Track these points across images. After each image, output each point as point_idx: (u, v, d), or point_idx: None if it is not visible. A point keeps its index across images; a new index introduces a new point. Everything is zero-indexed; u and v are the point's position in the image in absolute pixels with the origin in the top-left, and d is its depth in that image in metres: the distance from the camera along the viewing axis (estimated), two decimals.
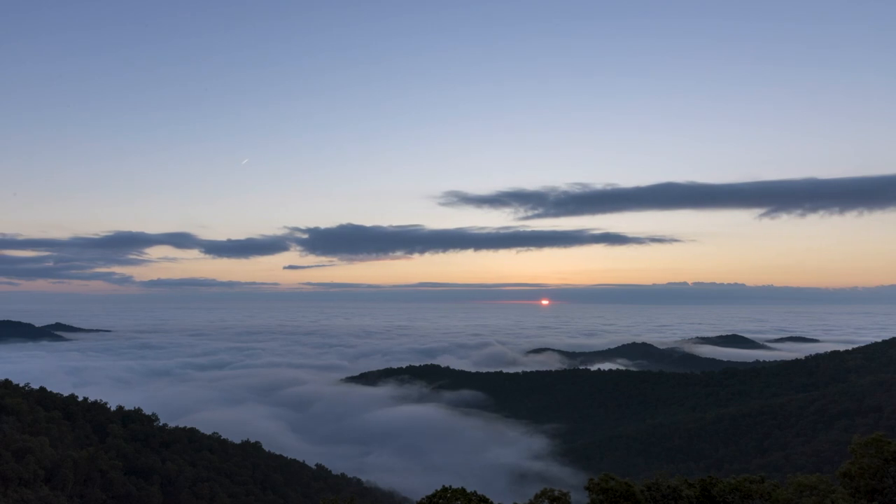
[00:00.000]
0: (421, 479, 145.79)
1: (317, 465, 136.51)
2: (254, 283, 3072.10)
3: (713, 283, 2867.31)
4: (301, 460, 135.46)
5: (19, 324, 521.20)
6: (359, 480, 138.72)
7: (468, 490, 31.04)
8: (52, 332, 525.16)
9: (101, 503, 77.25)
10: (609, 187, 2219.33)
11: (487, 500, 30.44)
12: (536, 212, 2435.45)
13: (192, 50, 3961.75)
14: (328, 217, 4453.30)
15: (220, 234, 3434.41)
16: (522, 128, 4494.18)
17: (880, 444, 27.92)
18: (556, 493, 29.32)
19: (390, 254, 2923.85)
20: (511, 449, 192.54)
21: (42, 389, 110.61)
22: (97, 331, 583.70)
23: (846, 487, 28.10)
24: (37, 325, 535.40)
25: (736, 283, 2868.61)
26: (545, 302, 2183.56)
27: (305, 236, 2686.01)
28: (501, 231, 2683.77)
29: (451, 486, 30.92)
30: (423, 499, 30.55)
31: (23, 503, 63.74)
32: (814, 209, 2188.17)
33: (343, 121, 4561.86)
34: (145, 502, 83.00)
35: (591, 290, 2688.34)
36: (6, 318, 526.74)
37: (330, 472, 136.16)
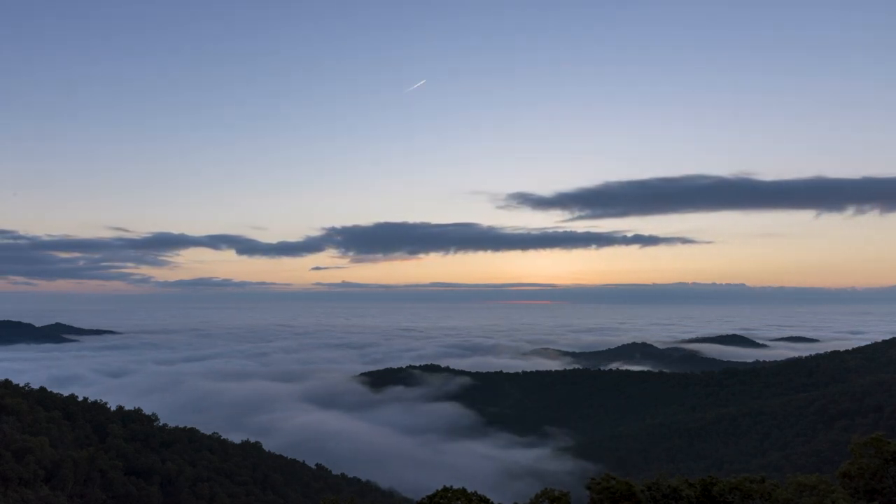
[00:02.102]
0: (421, 479, 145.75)
1: (317, 464, 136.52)
2: (263, 283, 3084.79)
3: (713, 284, 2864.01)
4: (301, 460, 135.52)
5: (19, 324, 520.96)
6: (358, 480, 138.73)
7: (468, 490, 31.06)
8: (53, 333, 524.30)
9: (101, 503, 77.26)
10: (665, 183, 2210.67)
11: (487, 500, 30.46)
12: (583, 213, 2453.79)
13: (231, 53, 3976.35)
14: (372, 216, 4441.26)
15: (267, 236, 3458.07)
16: (588, 124, 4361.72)
17: (880, 444, 27.93)
18: (557, 493, 29.33)
19: (420, 255, 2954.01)
20: (511, 449, 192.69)
21: (42, 389, 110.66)
22: (97, 331, 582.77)
23: (846, 487, 28.11)
24: (37, 326, 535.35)
25: (737, 284, 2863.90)
26: (548, 302, 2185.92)
27: (339, 237, 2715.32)
28: (533, 232, 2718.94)
29: (451, 486, 30.94)
30: (423, 499, 30.56)
31: (23, 503, 63.75)
32: (862, 210, 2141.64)
33: (404, 121, 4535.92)
34: (145, 502, 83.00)
35: (599, 290, 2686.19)
36: (7, 318, 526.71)
37: (330, 471, 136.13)
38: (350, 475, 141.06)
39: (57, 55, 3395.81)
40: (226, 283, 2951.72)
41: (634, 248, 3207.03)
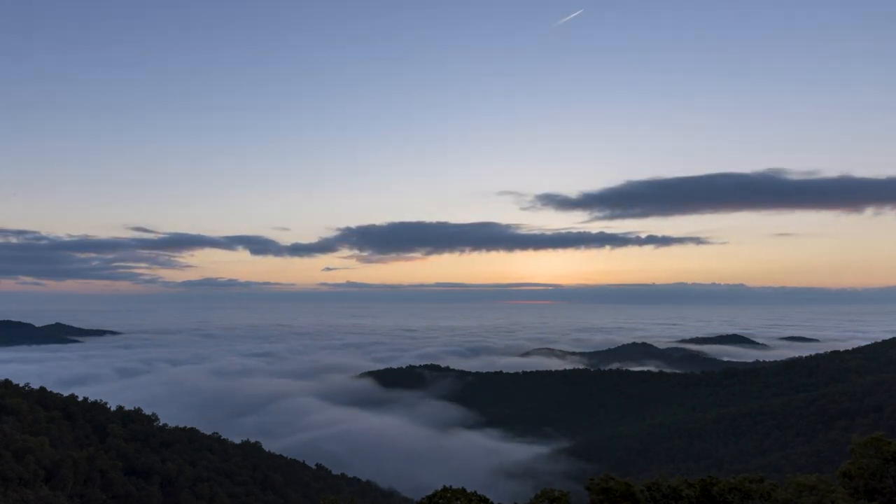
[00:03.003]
0: (421, 479, 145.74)
1: (317, 464, 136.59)
2: (268, 284, 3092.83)
3: (713, 284, 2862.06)
4: (301, 460, 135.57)
5: (19, 324, 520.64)
6: (358, 480, 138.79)
7: (468, 490, 31.05)
8: (52, 334, 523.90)
9: (101, 503, 77.26)
10: (687, 182, 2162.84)
11: (487, 500, 30.45)
12: (602, 214, 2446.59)
13: (254, 55, 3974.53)
14: (393, 215, 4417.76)
15: (289, 237, 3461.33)
16: (620, 123, 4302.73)
17: (880, 444, 27.92)
18: (557, 494, 29.32)
19: (435, 255, 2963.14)
20: (511, 449, 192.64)
21: (42, 389, 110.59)
22: (98, 332, 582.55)
23: (846, 487, 28.09)
24: (37, 326, 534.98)
25: (738, 284, 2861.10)
26: (548, 302, 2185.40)
27: (354, 237, 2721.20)
28: (547, 232, 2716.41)
29: (451, 486, 30.93)
30: (423, 499, 30.55)
31: (23, 503, 63.75)
32: (881, 210, 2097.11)
33: (436, 121, 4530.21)
34: (145, 502, 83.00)
35: (602, 290, 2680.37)
36: (7, 319, 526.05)
37: (330, 471, 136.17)
38: (350, 475, 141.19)
39: (85, 58, 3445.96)
40: (231, 284, 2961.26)
41: (649, 249, 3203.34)
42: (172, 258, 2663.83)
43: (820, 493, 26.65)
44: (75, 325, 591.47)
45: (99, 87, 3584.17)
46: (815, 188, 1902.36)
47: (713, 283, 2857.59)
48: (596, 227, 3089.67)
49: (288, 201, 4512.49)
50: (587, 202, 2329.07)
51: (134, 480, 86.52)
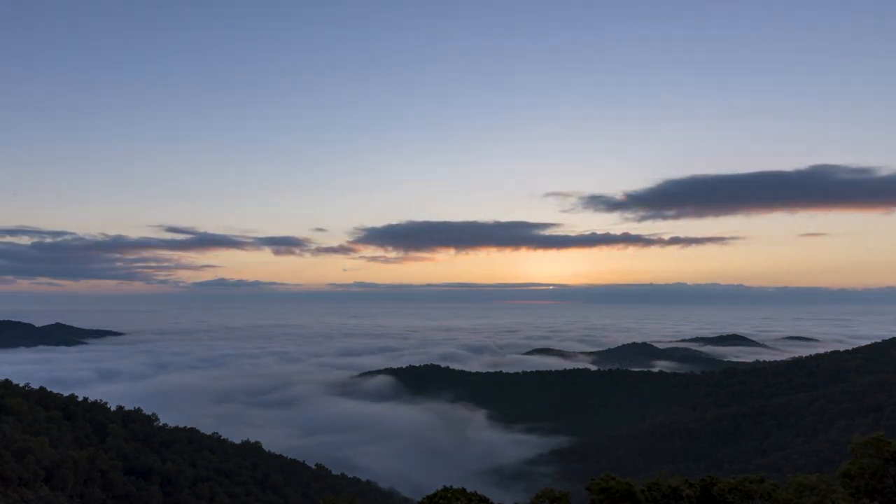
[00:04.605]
0: (421, 479, 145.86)
1: (317, 464, 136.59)
2: (273, 284, 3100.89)
3: (714, 284, 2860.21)
4: (301, 460, 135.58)
5: (19, 324, 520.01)
6: (358, 480, 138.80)
7: (468, 490, 31.03)
8: (52, 334, 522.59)
9: (101, 503, 77.24)
10: (720, 181, 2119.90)
11: (487, 500, 30.43)
12: (636, 214, 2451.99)
13: (281, 57, 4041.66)
14: (415, 214, 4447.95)
15: (323, 238, 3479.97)
16: (654, 122, 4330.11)
17: (880, 444, 27.89)
18: (557, 493, 29.30)
19: (460, 253, 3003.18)
20: (511, 449, 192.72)
21: (42, 389, 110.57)
22: (98, 332, 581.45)
23: (846, 487, 28.06)
24: (37, 326, 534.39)
25: (737, 284, 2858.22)
26: (549, 302, 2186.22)
27: (378, 238, 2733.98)
28: (571, 234, 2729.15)
29: (451, 486, 30.91)
30: (423, 499, 30.54)
31: (23, 503, 63.73)
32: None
33: (479, 120, 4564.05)
34: (145, 502, 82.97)
35: (606, 290, 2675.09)
36: (8, 319, 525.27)
37: (330, 471, 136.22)
38: (350, 475, 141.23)
39: (136, 67, 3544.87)
40: (240, 284, 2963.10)
41: (672, 250, 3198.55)
42: (194, 259, 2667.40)
43: (820, 493, 26.62)
44: (77, 325, 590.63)
45: (162, 92, 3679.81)
46: (853, 187, 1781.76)
47: (713, 283, 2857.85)
48: (625, 228, 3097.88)
49: (331, 202, 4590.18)
50: (625, 203, 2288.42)
51: (134, 480, 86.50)
